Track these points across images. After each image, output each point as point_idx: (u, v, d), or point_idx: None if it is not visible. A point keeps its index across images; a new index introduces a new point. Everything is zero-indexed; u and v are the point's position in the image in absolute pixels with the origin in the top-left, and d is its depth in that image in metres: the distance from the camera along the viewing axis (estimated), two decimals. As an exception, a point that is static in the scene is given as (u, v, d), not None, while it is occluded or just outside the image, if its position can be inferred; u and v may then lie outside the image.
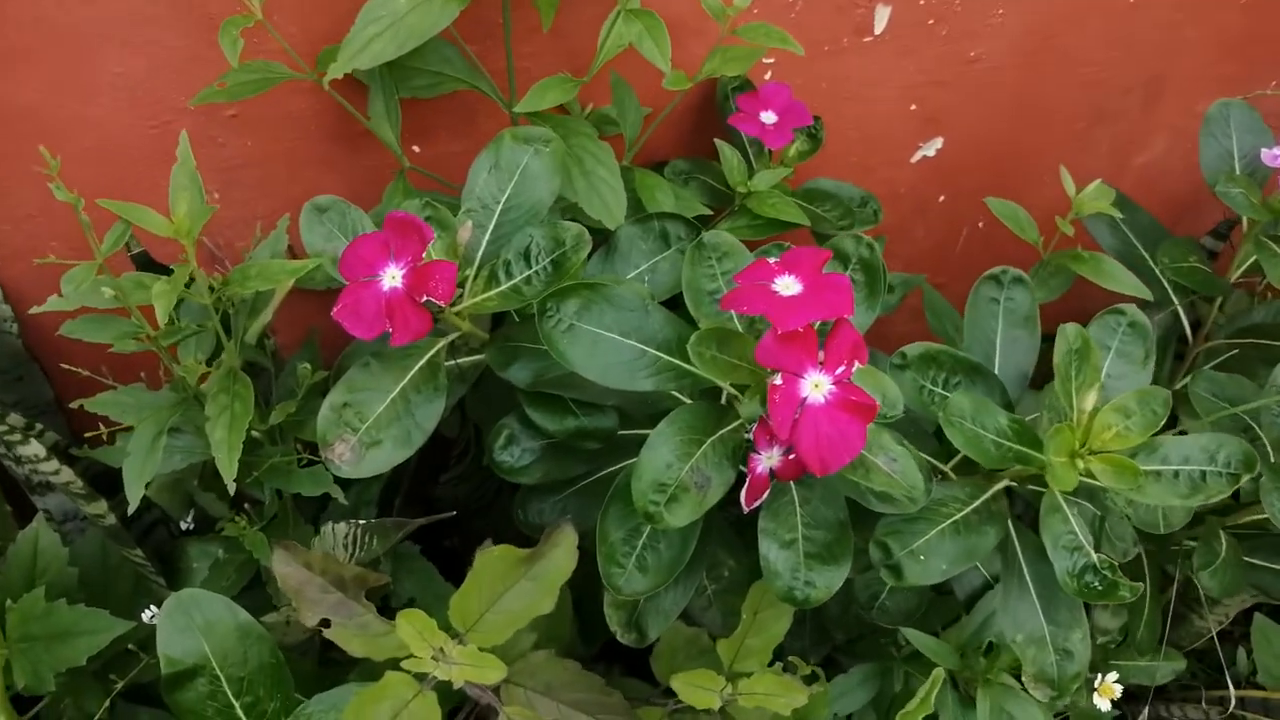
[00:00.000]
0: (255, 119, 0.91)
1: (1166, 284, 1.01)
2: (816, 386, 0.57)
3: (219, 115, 0.90)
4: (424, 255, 0.64)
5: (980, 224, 1.27)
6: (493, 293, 0.69)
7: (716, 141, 0.94)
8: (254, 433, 0.76)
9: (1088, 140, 1.22)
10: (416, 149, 0.97)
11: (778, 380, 0.56)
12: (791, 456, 0.60)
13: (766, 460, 0.61)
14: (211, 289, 0.71)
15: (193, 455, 0.79)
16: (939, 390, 0.73)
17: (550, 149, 0.72)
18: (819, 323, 0.58)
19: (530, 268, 0.69)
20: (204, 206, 0.67)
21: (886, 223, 1.05)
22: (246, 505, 0.86)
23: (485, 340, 0.74)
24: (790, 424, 0.56)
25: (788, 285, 0.59)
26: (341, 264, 0.65)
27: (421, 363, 0.70)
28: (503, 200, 0.72)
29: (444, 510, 1.04)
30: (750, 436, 0.61)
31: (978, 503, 0.72)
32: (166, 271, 0.69)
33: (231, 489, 0.69)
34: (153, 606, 0.76)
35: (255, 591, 0.82)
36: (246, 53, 0.79)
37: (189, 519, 0.90)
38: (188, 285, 0.71)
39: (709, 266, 0.66)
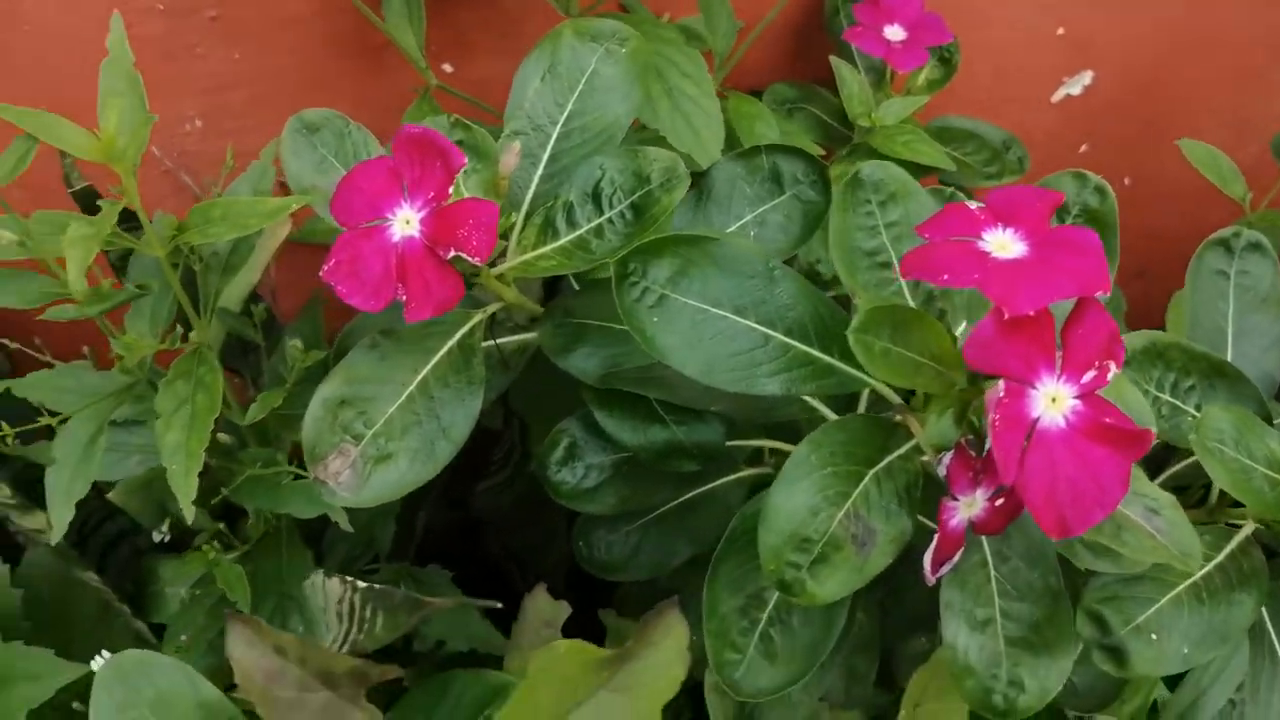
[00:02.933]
0: (244, 23, 0.72)
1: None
2: (1054, 402, 0.37)
3: (198, 17, 0.71)
4: (451, 191, 0.44)
5: (1126, 180, 1.05)
6: (548, 248, 0.49)
7: (833, 61, 0.73)
8: (221, 436, 0.56)
9: (1270, 76, 1.00)
10: (448, 68, 0.77)
11: (1000, 392, 0.36)
12: (999, 503, 0.40)
13: (965, 508, 0.41)
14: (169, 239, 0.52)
15: (154, 456, 0.60)
16: (1166, 397, 0.53)
17: (628, 49, 0.52)
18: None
19: (601, 213, 0.49)
20: (145, 116, 0.47)
21: (1015, 176, 0.85)
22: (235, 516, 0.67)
23: (536, 314, 0.54)
24: (1017, 458, 0.36)
25: (1004, 244, 0.38)
26: (335, 202, 0.46)
27: (450, 345, 0.50)
28: (561, 119, 0.52)
29: (482, 520, 0.86)
30: (940, 468, 0.40)
31: (1222, 556, 0.51)
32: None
33: (189, 515, 0.50)
34: (104, 652, 0.57)
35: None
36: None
37: (163, 529, 0.71)
38: (128, 229, 0.52)
39: (867, 214, 0.45)
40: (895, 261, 0.45)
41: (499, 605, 0.62)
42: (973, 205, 0.40)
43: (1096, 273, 0.37)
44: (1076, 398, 0.37)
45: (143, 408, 0.59)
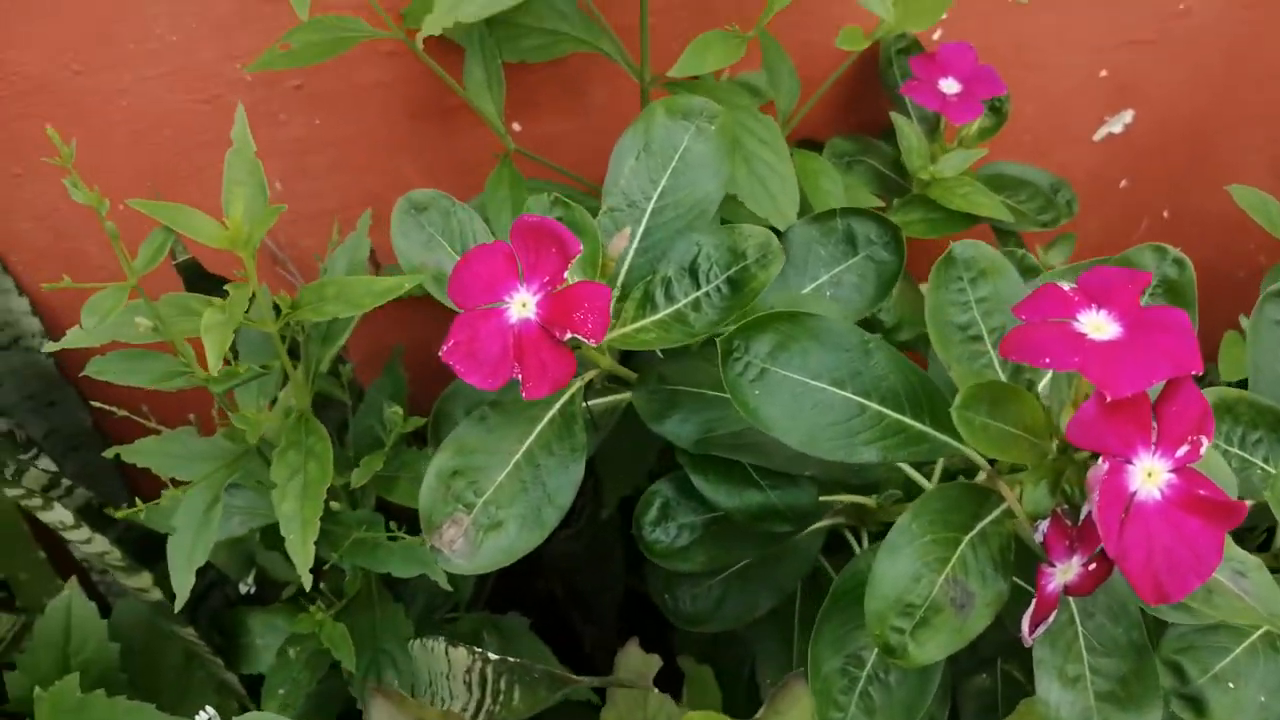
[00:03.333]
0: (325, 92, 0.75)
1: None
2: (1150, 476, 0.39)
3: (281, 86, 0.74)
4: (567, 274, 0.46)
5: (1165, 214, 1.07)
6: (648, 320, 0.52)
7: (893, 115, 0.76)
8: (333, 504, 0.59)
9: (1306, 113, 1.02)
10: (516, 127, 0.80)
11: (1102, 467, 0.38)
12: (1091, 568, 0.43)
13: (1062, 574, 0.43)
14: (277, 310, 0.54)
15: (255, 518, 0.63)
16: (1235, 450, 0.55)
17: (717, 125, 0.55)
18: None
19: (699, 287, 0.52)
20: (267, 207, 0.50)
21: (1057, 213, 0.87)
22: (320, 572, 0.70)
23: (631, 378, 0.56)
24: (1119, 530, 0.38)
25: (1099, 325, 0.41)
26: (452, 284, 0.48)
27: (552, 413, 0.52)
28: (655, 195, 0.54)
29: (556, 569, 0.88)
30: (1037, 535, 0.43)
31: (1292, 602, 0.53)
32: (221, 284, 0.53)
33: (306, 582, 0.52)
34: (208, 709, 0.60)
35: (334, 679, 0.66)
36: (315, 7, 0.61)
37: (250, 581, 0.74)
38: (246, 310, 0.54)
39: (959, 290, 0.48)
40: (985, 335, 0.47)
41: (595, 686, 0.64)
42: (1066, 286, 0.42)
43: (1189, 353, 0.39)
44: (1171, 471, 0.39)
45: (244, 472, 0.62)
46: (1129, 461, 0.39)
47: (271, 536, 0.69)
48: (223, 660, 0.71)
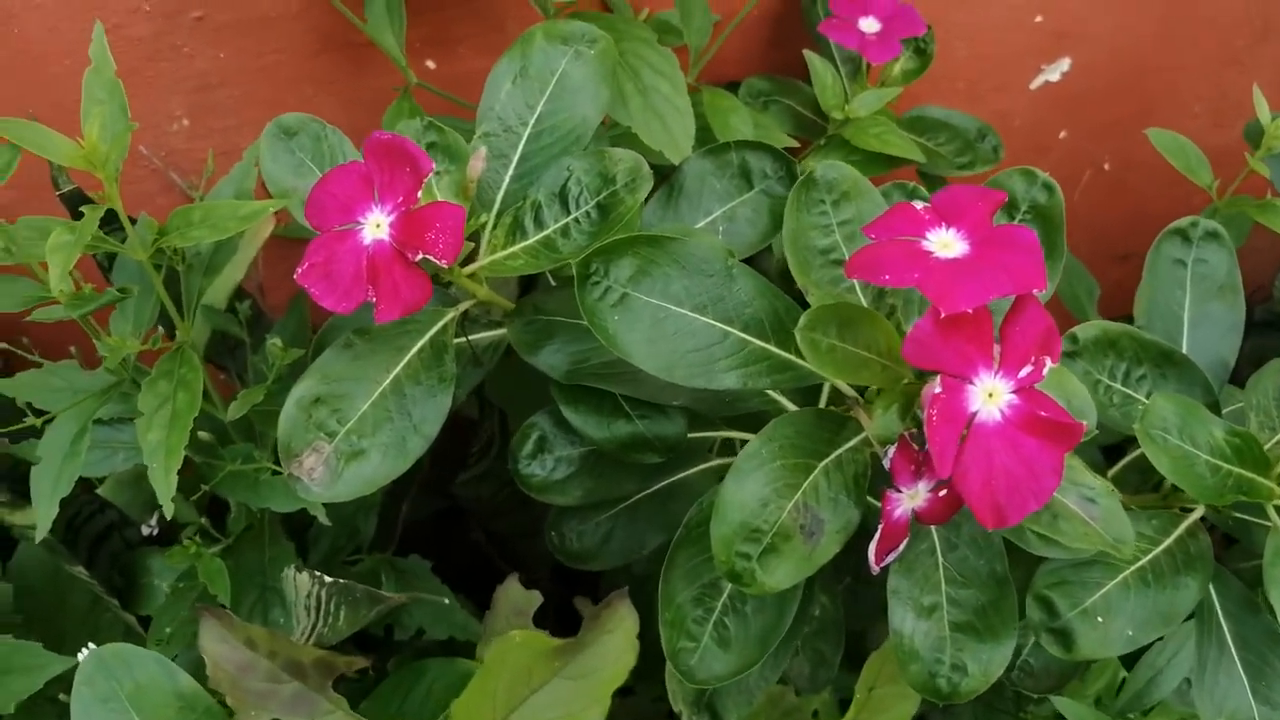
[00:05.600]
0: (229, 24, 0.73)
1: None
2: (991, 396, 0.38)
3: (183, 18, 0.72)
4: (419, 195, 0.45)
5: (1106, 165, 1.06)
6: (517, 247, 0.51)
7: (806, 54, 0.74)
8: (201, 433, 0.58)
9: (1248, 61, 1.01)
10: (431, 64, 0.79)
11: (937, 388, 0.38)
12: (943, 494, 0.42)
13: (909, 499, 0.42)
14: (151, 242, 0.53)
15: (140, 453, 0.62)
16: (1119, 386, 0.54)
17: (597, 50, 0.53)
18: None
19: (568, 213, 0.51)
20: (126, 124, 0.49)
21: (994, 163, 0.86)
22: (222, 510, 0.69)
23: (509, 309, 0.55)
24: (954, 452, 0.38)
25: (946, 243, 0.40)
26: (309, 206, 0.47)
27: (422, 343, 0.51)
28: (532, 120, 0.53)
29: (467, 509, 0.87)
30: (885, 461, 0.42)
31: (1170, 540, 0.53)
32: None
33: (169, 510, 0.52)
34: (90, 645, 0.59)
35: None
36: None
37: (153, 523, 0.73)
38: (111, 231, 0.53)
39: (821, 213, 0.47)
40: (848, 259, 0.46)
41: (445, 602, 0.63)
42: (919, 205, 0.41)
43: (1033, 270, 0.39)
44: (1013, 392, 0.39)
45: (129, 406, 0.61)
46: (968, 381, 0.38)
47: (170, 475, 0.68)
48: (121, 602, 0.70)
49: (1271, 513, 0.51)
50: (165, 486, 0.51)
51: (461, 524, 0.92)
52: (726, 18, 0.79)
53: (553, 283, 0.60)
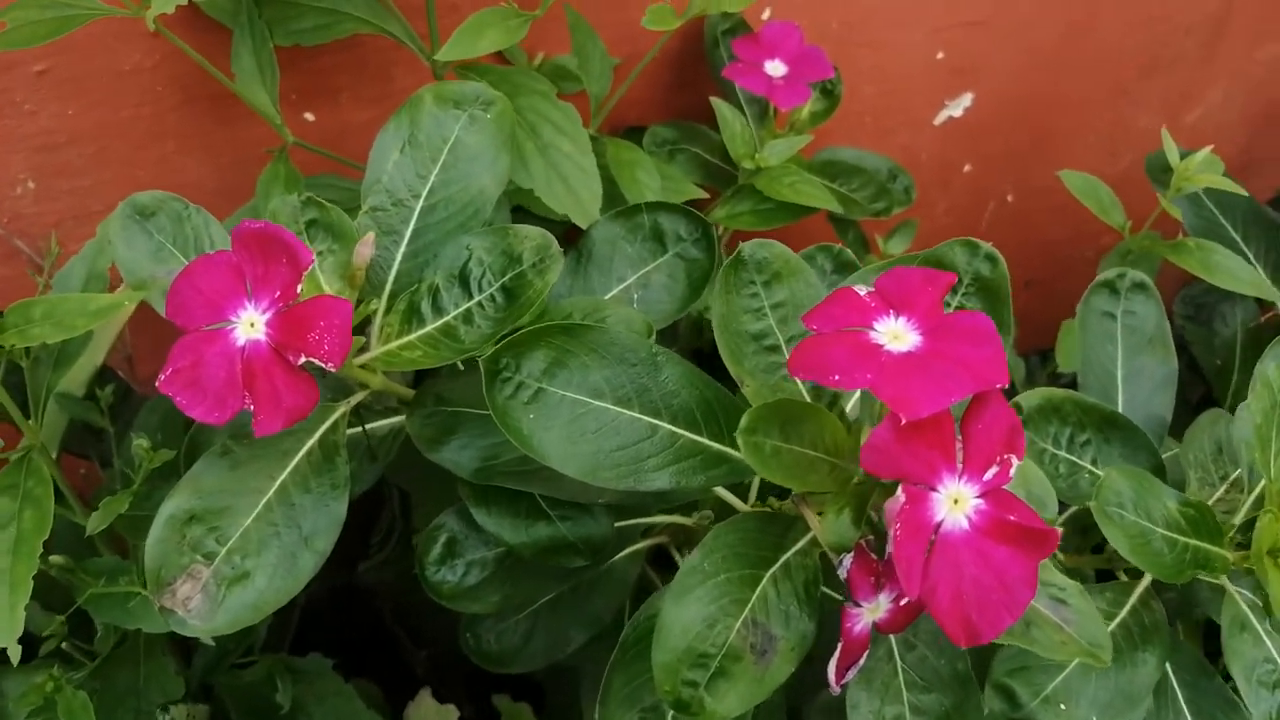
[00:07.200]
0: (75, 77, 0.66)
1: (1268, 277, 0.80)
2: (957, 503, 0.35)
3: (21, 71, 0.64)
4: (299, 288, 0.39)
5: (1009, 197, 1.06)
6: (414, 336, 0.45)
7: (714, 102, 0.71)
8: (54, 558, 0.51)
9: (1137, 93, 1.02)
10: (310, 116, 0.73)
11: (900, 498, 0.34)
12: (903, 603, 0.38)
13: (869, 614, 0.38)
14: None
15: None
16: (1063, 454, 0.51)
17: (493, 114, 0.48)
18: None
19: (470, 297, 0.45)
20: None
21: (902, 198, 0.84)
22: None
23: (406, 397, 0.50)
24: (921, 569, 0.34)
25: (897, 334, 0.36)
26: (171, 302, 0.41)
27: (310, 444, 0.46)
28: (424, 192, 0.48)
29: (369, 597, 0.81)
30: (840, 571, 0.38)
31: (1124, 612, 0.50)
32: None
33: (14, 654, 0.44)
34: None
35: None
36: (40, -21, 0.53)
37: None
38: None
39: (753, 294, 0.43)
40: (783, 345, 0.42)
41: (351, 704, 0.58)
42: (862, 290, 0.38)
43: (995, 364, 0.35)
44: (979, 496, 0.35)
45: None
46: (932, 489, 0.35)
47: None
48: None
49: (1226, 582, 0.49)
50: (11, 624, 0.44)
51: (364, 600, 0.85)
52: (627, 60, 0.75)
53: (461, 367, 0.54)
